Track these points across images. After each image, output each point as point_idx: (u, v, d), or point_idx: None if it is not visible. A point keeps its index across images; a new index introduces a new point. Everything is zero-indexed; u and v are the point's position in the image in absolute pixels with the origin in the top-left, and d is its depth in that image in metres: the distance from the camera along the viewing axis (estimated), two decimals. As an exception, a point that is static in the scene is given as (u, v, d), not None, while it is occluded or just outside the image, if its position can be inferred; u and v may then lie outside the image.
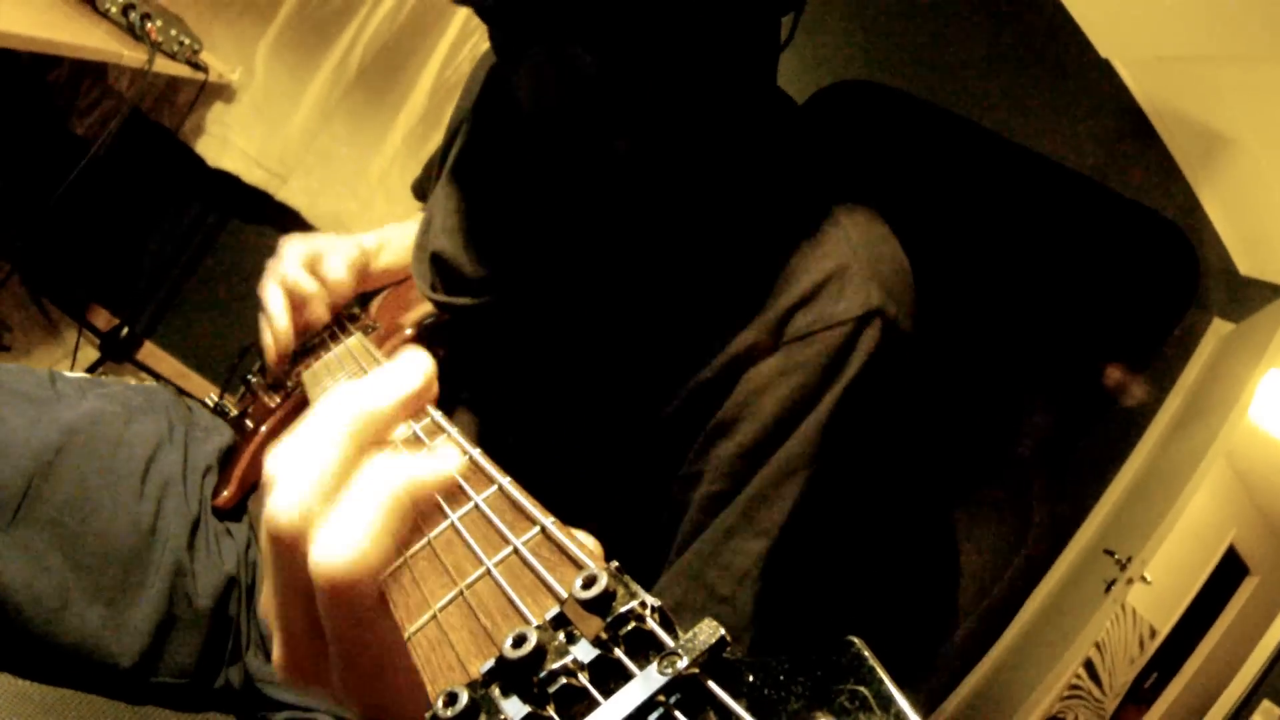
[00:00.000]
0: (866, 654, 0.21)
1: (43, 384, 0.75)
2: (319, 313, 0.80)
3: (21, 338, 1.96)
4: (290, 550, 0.31)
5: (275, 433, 0.80)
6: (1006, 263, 0.59)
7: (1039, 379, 0.60)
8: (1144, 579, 2.07)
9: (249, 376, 0.88)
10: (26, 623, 0.61)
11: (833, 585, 0.64)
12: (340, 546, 0.29)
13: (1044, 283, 0.58)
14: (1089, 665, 3.27)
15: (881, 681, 0.20)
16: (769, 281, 0.63)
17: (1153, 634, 3.42)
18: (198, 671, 0.70)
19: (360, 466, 0.33)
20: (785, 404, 0.61)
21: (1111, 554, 2.13)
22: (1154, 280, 0.57)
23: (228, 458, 0.83)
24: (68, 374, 0.80)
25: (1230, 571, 3.50)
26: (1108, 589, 2.07)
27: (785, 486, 0.61)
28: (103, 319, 2.13)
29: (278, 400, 0.82)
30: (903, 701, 0.19)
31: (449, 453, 0.35)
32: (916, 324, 0.64)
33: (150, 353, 2.15)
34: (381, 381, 0.37)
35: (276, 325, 0.78)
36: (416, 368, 0.38)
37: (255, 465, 0.79)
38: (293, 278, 0.79)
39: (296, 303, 0.79)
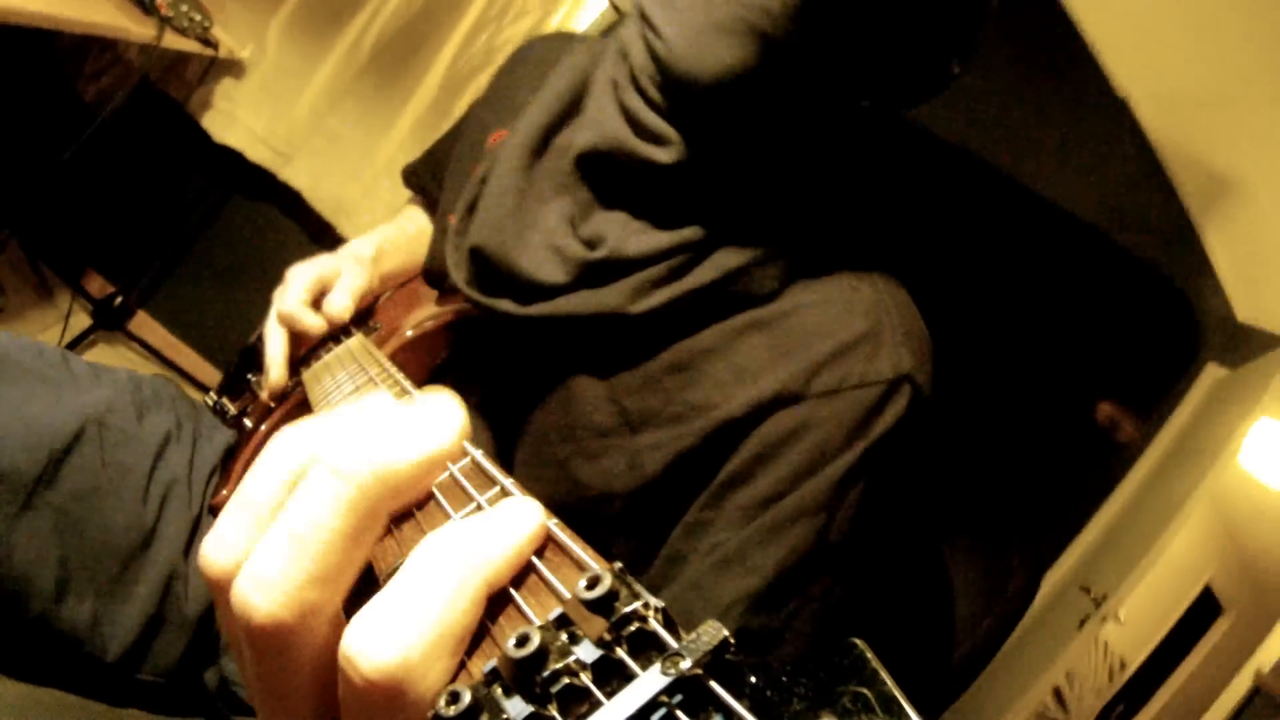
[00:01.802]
0: (869, 655, 0.21)
1: (56, 364, 0.74)
2: (318, 338, 0.81)
3: (14, 299, 1.94)
4: (278, 645, 0.24)
5: (275, 432, 0.79)
6: (1011, 313, 0.60)
7: (1033, 429, 0.61)
8: (1117, 619, 2.08)
9: (249, 376, 0.88)
10: (23, 610, 0.61)
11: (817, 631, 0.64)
12: (395, 635, 0.22)
13: (1047, 335, 0.60)
14: (1057, 693, 3.28)
15: (884, 683, 0.20)
16: (802, 330, 0.63)
17: (1122, 666, 3.43)
18: (178, 672, 0.70)
19: (366, 539, 0.26)
20: (806, 456, 0.60)
21: (1087, 591, 2.14)
22: (1154, 342, 0.58)
23: (229, 457, 0.82)
24: (78, 357, 0.80)
25: (1204, 610, 3.52)
26: (1080, 625, 2.08)
27: (787, 532, 0.60)
28: (97, 286, 2.12)
29: (278, 400, 0.82)
30: (905, 703, 0.20)
31: (521, 513, 0.27)
32: (935, 393, 0.64)
33: (143, 323, 2.13)
34: (401, 430, 0.28)
35: (271, 377, 0.78)
36: (449, 415, 0.29)
37: None
38: (297, 315, 0.78)
39: (298, 335, 0.80)
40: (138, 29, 1.51)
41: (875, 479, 0.62)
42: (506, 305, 0.67)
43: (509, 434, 0.70)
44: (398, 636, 0.23)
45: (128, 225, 2.09)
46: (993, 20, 0.59)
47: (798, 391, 0.61)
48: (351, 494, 0.25)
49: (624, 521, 0.66)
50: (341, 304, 0.79)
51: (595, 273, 0.64)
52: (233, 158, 1.92)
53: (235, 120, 1.91)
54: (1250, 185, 1.80)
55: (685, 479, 0.64)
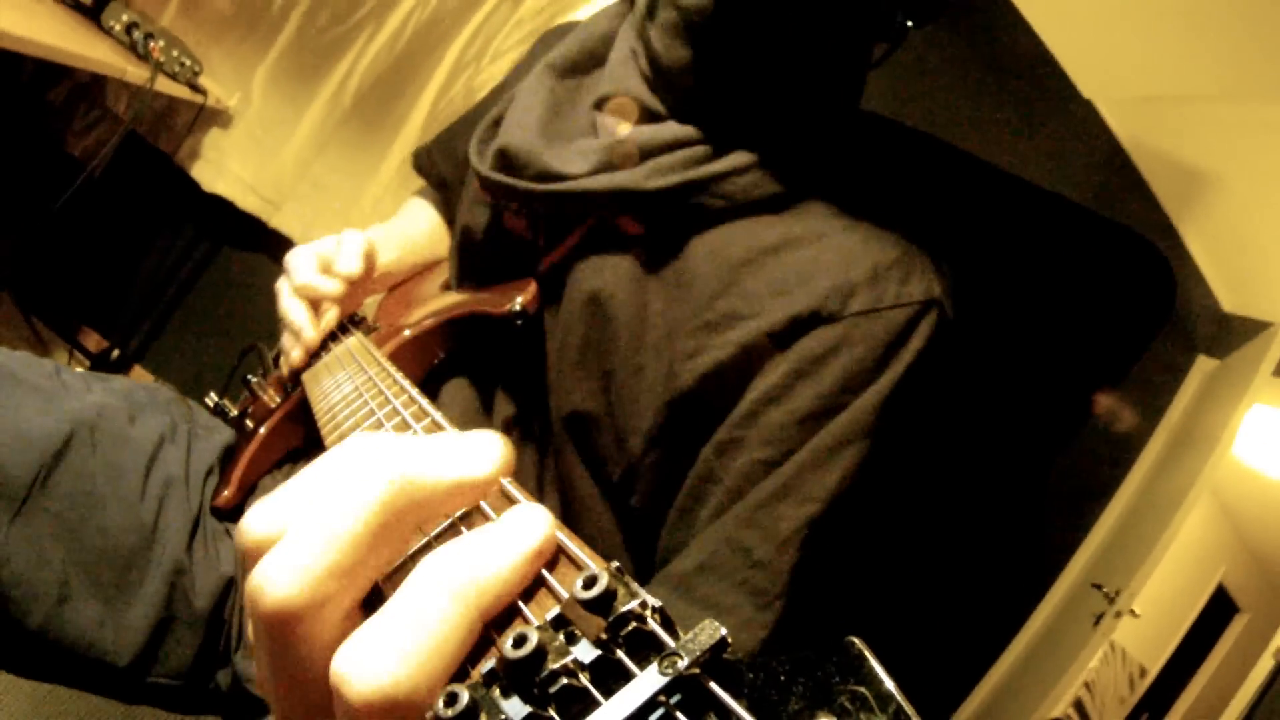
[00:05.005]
0: (867, 654, 0.21)
1: (48, 374, 0.74)
2: (337, 312, 0.81)
3: (9, 358, 1.94)
4: (286, 630, 0.25)
5: (275, 433, 0.80)
6: (991, 283, 0.60)
7: (1020, 393, 0.62)
8: (1132, 612, 2.07)
9: (249, 377, 0.89)
10: (24, 616, 0.60)
11: (870, 572, 0.64)
12: (388, 660, 0.23)
13: (1024, 301, 0.60)
14: (1079, 706, 3.24)
15: (882, 682, 0.20)
16: (837, 251, 0.65)
17: (1143, 673, 3.39)
18: (192, 672, 0.69)
19: (387, 542, 0.26)
20: (845, 374, 0.61)
21: (1100, 588, 2.13)
22: (1130, 294, 0.59)
23: (227, 458, 0.82)
24: (71, 369, 0.79)
25: (1220, 610, 3.49)
26: (1096, 622, 2.07)
27: (839, 456, 0.60)
28: (93, 341, 2.12)
29: (278, 400, 0.83)
30: (903, 701, 0.20)
31: (526, 525, 0.27)
32: (957, 327, 0.66)
33: (139, 377, 2.13)
34: (441, 449, 0.29)
35: (305, 337, 0.78)
36: (489, 447, 0.29)
37: (255, 466, 0.79)
38: (312, 284, 0.79)
39: (318, 307, 0.80)
40: (133, 70, 1.54)
41: (916, 400, 0.63)
42: (521, 184, 0.70)
43: (513, 426, 0.71)
44: (387, 661, 0.23)
45: (121, 279, 2.10)
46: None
47: (834, 311, 0.62)
48: (379, 493, 0.26)
49: (657, 437, 0.66)
50: (352, 263, 0.80)
51: (615, 157, 0.67)
52: (223, 207, 1.94)
53: (224, 170, 1.93)
54: (1224, 178, 1.82)
55: (716, 394, 0.64)
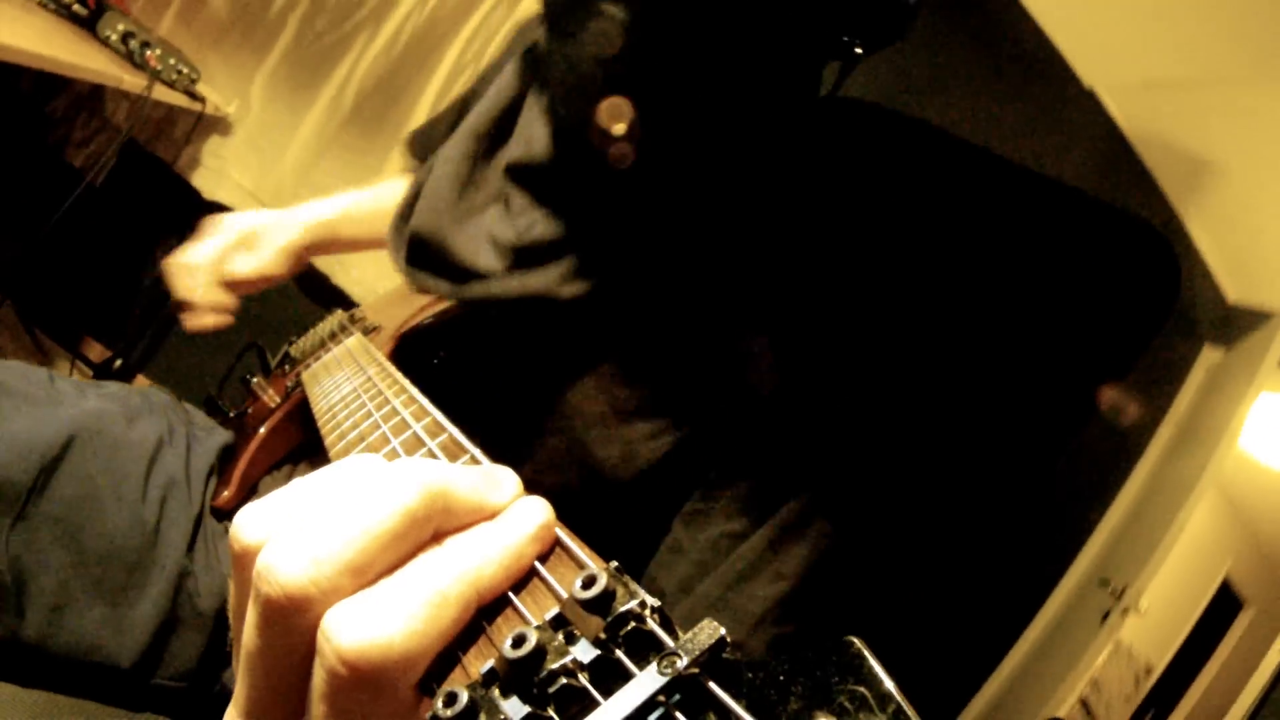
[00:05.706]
0: (866, 653, 0.21)
1: (42, 384, 0.74)
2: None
3: (12, 368, 1.94)
4: (286, 616, 0.24)
5: (275, 432, 0.80)
6: (979, 269, 0.58)
7: (1018, 390, 0.59)
8: (1138, 610, 2.06)
9: (249, 376, 0.89)
10: (28, 621, 0.60)
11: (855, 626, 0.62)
12: (377, 620, 0.23)
13: (1018, 289, 0.58)
14: (1085, 704, 3.23)
15: (881, 681, 0.20)
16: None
17: (1148, 671, 3.38)
18: (197, 674, 0.68)
19: (403, 547, 0.26)
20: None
21: (1106, 584, 2.12)
22: (1133, 282, 0.57)
23: (226, 458, 0.82)
24: (65, 377, 0.79)
25: (1225, 605, 3.47)
26: (1103, 620, 2.06)
27: (810, 529, 0.58)
28: (96, 351, 2.12)
29: (278, 400, 0.82)
30: (902, 701, 0.20)
31: (525, 511, 0.28)
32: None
33: (142, 385, 2.13)
34: (479, 478, 0.29)
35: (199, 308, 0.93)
36: (534, 508, 0.29)
37: (255, 465, 0.78)
38: (216, 276, 0.94)
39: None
40: (129, 79, 1.55)
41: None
42: (442, 286, 0.69)
43: (505, 431, 0.70)
44: (378, 621, 0.23)
45: (122, 287, 2.10)
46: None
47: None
48: (414, 496, 0.26)
49: (625, 509, 0.65)
50: (259, 265, 0.95)
51: (527, 256, 0.65)
52: (224, 214, 1.94)
53: (224, 177, 1.93)
54: (1226, 165, 1.81)
55: (683, 467, 0.63)
